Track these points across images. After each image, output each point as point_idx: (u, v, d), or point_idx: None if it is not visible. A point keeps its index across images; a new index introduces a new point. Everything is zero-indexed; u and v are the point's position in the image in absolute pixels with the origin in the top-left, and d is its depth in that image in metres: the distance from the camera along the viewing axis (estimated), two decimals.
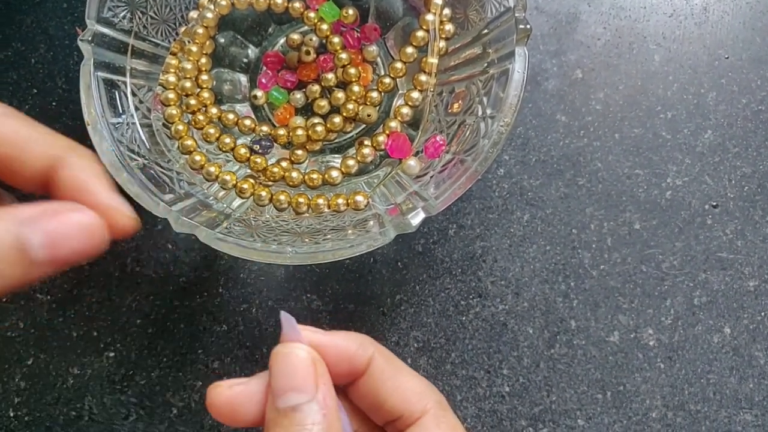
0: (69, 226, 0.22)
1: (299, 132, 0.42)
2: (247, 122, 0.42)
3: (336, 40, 0.42)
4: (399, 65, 0.42)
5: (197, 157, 0.41)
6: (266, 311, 0.45)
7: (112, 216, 0.24)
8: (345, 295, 0.45)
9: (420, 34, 0.41)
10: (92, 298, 0.46)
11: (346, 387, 0.27)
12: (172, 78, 0.42)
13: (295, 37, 0.44)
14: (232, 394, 0.27)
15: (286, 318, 0.27)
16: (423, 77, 0.41)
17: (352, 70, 0.42)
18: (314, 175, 0.41)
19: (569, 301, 0.44)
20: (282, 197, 0.40)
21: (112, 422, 0.45)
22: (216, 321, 0.45)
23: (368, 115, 0.42)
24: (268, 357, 0.44)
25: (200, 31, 0.42)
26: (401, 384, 0.27)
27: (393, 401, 0.26)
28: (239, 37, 0.45)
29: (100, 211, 0.23)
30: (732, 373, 0.43)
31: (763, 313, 0.44)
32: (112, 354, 0.45)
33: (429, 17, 0.41)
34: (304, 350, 0.26)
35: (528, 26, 0.37)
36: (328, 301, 0.45)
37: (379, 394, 0.26)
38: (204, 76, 0.43)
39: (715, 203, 0.45)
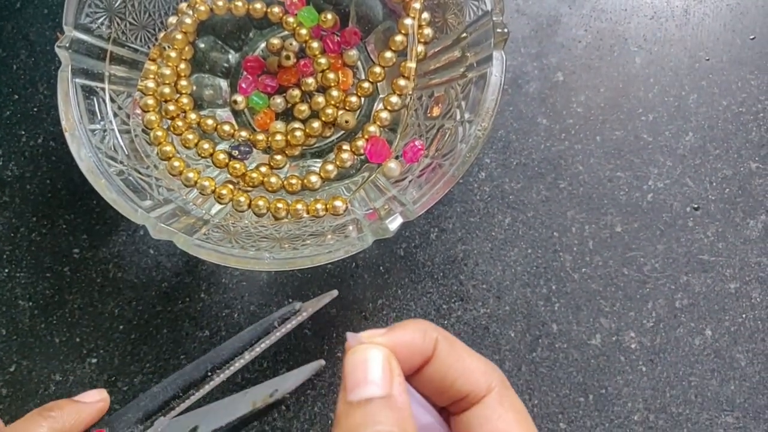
0: None
1: (278, 137, 0.42)
2: (226, 127, 0.42)
3: (315, 44, 0.42)
4: (378, 70, 0.42)
5: (176, 163, 0.41)
6: (248, 316, 0.45)
7: None
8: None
9: (399, 38, 0.41)
10: (74, 304, 0.46)
11: (413, 375, 0.27)
12: (151, 84, 0.42)
13: (275, 41, 0.44)
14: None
15: (352, 336, 0.26)
16: (402, 82, 0.41)
17: (331, 75, 0.42)
18: (293, 180, 0.41)
19: (551, 304, 0.44)
20: (261, 202, 0.40)
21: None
22: (198, 326, 0.45)
23: (346, 121, 0.42)
24: (249, 363, 0.44)
25: (179, 36, 0.42)
26: (467, 365, 0.26)
27: (460, 383, 0.26)
28: (219, 41, 0.45)
29: None
30: (713, 375, 0.43)
31: (744, 315, 0.44)
32: (94, 360, 0.45)
33: (408, 21, 0.41)
34: (378, 348, 0.25)
35: (506, 30, 0.37)
36: None
37: (446, 377, 0.26)
38: (183, 82, 0.43)
39: (696, 206, 0.45)
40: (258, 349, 0.26)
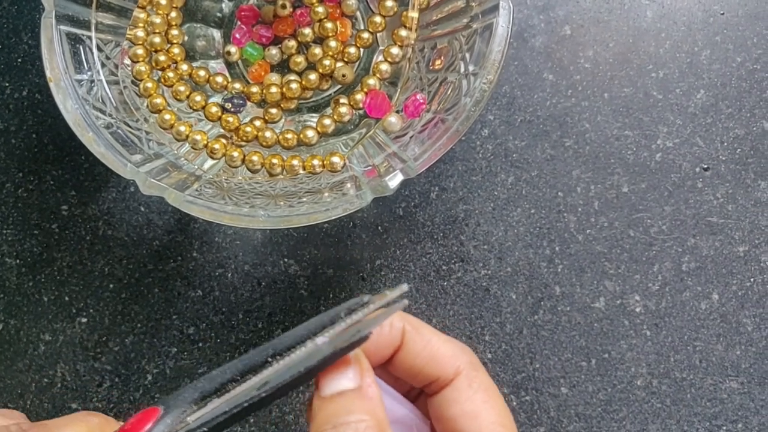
0: None
1: (273, 90, 0.40)
2: (219, 79, 0.41)
3: None
4: (378, 19, 0.40)
5: (167, 116, 0.39)
6: (242, 276, 0.44)
7: None
8: (323, 259, 0.44)
9: None
10: (63, 262, 0.44)
11: (385, 364, 0.28)
12: (140, 33, 0.40)
13: None
14: None
15: (321, 339, 0.26)
16: (403, 32, 0.39)
17: (329, 25, 0.40)
18: (289, 135, 0.39)
19: (554, 266, 0.43)
20: (255, 158, 0.38)
21: (85, 389, 0.44)
22: (191, 286, 0.44)
23: (343, 75, 0.40)
24: (244, 323, 0.43)
25: None
26: (434, 350, 0.28)
27: (429, 367, 0.27)
28: None
29: None
30: (719, 340, 0.42)
31: (752, 279, 0.43)
32: (84, 320, 0.44)
33: None
34: None
35: None
36: (306, 266, 0.44)
37: (414, 364, 0.27)
38: (174, 31, 0.41)
39: (706, 166, 0.44)
40: (322, 338, 0.26)
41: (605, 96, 0.44)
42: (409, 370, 0.28)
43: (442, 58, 0.39)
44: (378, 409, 0.25)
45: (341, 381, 0.25)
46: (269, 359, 0.27)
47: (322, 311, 0.43)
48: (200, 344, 0.44)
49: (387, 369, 0.28)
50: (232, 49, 0.42)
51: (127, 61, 0.40)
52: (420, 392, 0.30)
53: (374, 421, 0.24)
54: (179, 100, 0.40)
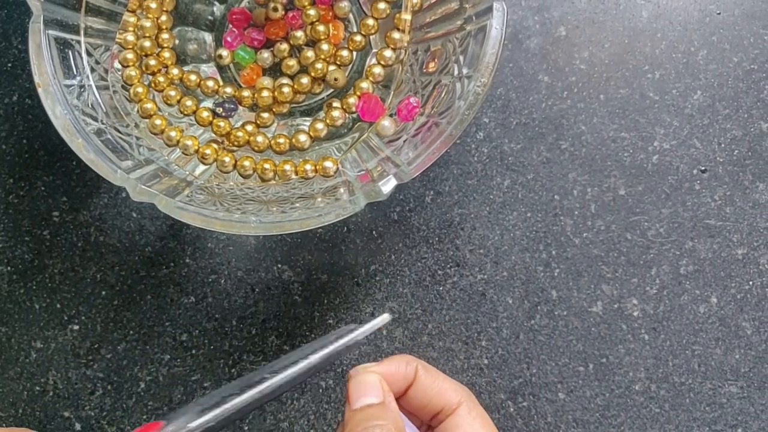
0: None
1: (265, 93, 0.39)
2: (210, 83, 0.40)
3: None
4: (371, 22, 0.39)
5: (157, 121, 0.38)
6: (235, 282, 0.43)
7: None
8: (318, 265, 0.43)
9: None
10: (55, 269, 0.44)
11: (400, 398, 0.33)
12: (130, 37, 0.40)
13: None
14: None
15: (354, 370, 0.33)
16: (396, 35, 0.39)
17: (321, 27, 0.39)
18: (281, 140, 0.39)
19: (550, 270, 0.43)
20: (246, 163, 0.38)
21: (78, 397, 0.43)
22: (183, 292, 0.43)
23: (335, 79, 0.39)
24: (238, 330, 0.43)
25: None
26: (440, 386, 0.33)
27: (436, 400, 0.33)
28: None
29: None
30: (718, 344, 0.42)
31: (751, 282, 0.42)
32: (76, 327, 0.43)
33: None
34: (373, 374, 0.32)
35: None
36: (300, 271, 0.43)
37: (425, 396, 0.33)
38: (164, 35, 0.40)
39: (703, 168, 0.43)
40: (314, 357, 0.30)
41: (601, 97, 0.44)
42: (421, 400, 0.33)
43: (435, 60, 0.38)
44: (398, 419, 0.31)
45: (368, 398, 0.31)
46: (266, 376, 0.30)
47: (317, 317, 0.43)
48: (193, 351, 0.43)
49: (401, 403, 0.33)
50: (224, 52, 0.41)
51: (117, 66, 0.39)
52: (428, 429, 0.35)
53: (395, 427, 0.30)
54: (170, 105, 0.40)
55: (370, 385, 0.32)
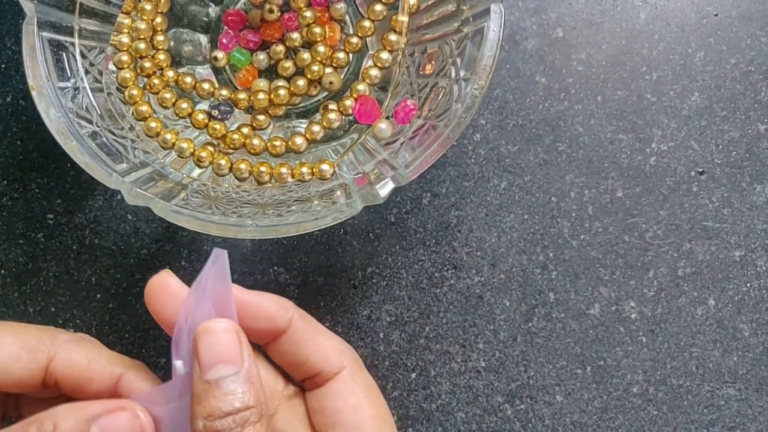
0: (120, 422, 0.27)
1: (261, 96, 0.39)
2: (206, 86, 0.40)
3: None
4: (367, 23, 0.39)
5: (153, 124, 0.38)
6: None
7: None
8: (314, 267, 0.43)
9: None
10: (49, 272, 0.44)
11: (267, 346, 0.30)
12: (125, 39, 0.39)
13: None
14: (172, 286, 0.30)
15: (219, 253, 0.29)
16: (393, 36, 0.39)
17: (317, 29, 0.39)
18: (277, 143, 0.39)
19: (548, 272, 0.42)
20: (243, 166, 0.38)
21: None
22: None
23: (330, 83, 0.39)
24: None
25: None
26: (321, 343, 0.29)
27: (314, 359, 0.29)
28: None
29: None
30: (716, 346, 0.42)
31: (749, 284, 0.42)
32: (71, 330, 0.43)
33: None
34: (226, 322, 0.27)
35: None
36: (296, 274, 0.43)
37: (300, 353, 0.29)
38: (159, 37, 0.40)
39: (701, 169, 0.43)
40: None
41: (598, 99, 0.44)
42: (295, 357, 0.29)
43: (432, 62, 0.38)
44: (260, 392, 0.26)
45: (225, 366, 0.26)
46: None
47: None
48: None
49: (269, 354, 0.30)
50: (219, 54, 0.41)
51: (112, 68, 0.39)
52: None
53: (253, 391, 0.26)
54: (165, 108, 0.39)
55: (226, 345, 0.27)
